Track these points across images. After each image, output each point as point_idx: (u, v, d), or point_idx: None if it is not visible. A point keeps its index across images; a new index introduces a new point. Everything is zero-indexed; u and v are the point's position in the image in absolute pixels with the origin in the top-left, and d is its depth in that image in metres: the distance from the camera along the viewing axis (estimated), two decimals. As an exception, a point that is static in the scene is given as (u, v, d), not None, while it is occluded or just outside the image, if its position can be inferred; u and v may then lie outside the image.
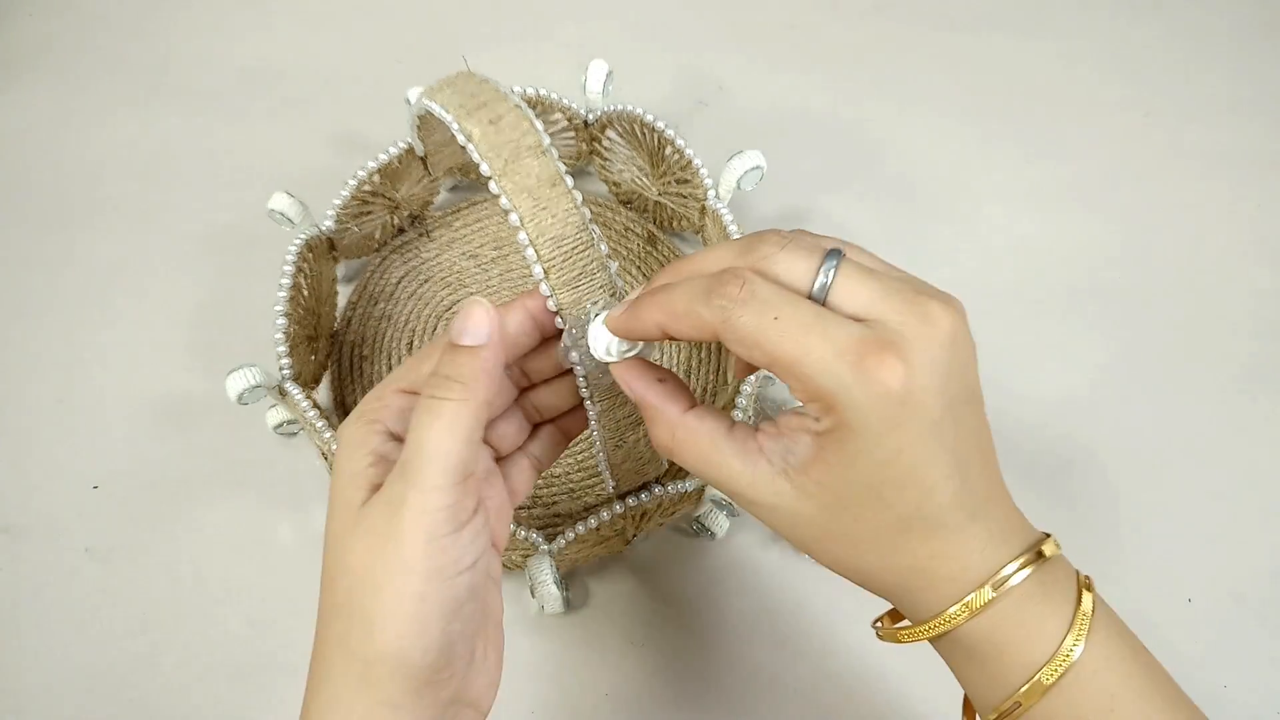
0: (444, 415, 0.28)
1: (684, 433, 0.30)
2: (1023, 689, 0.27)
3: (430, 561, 0.27)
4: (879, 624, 0.33)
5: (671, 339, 0.30)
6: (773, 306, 0.27)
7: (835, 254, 0.28)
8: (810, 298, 0.27)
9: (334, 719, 0.28)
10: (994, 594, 0.27)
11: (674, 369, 0.54)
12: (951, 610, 0.28)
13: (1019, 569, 0.27)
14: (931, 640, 0.29)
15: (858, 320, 0.27)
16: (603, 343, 0.32)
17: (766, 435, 0.29)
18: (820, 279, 0.27)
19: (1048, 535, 0.29)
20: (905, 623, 0.30)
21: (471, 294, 0.57)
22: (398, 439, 0.30)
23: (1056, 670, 0.27)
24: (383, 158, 0.53)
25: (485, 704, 0.31)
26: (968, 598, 0.27)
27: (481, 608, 0.30)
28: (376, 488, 0.29)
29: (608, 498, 0.44)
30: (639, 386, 0.31)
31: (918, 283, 0.29)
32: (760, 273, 0.28)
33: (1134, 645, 0.29)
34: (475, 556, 0.29)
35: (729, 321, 0.27)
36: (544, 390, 0.36)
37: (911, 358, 0.26)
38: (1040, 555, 0.28)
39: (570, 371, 0.34)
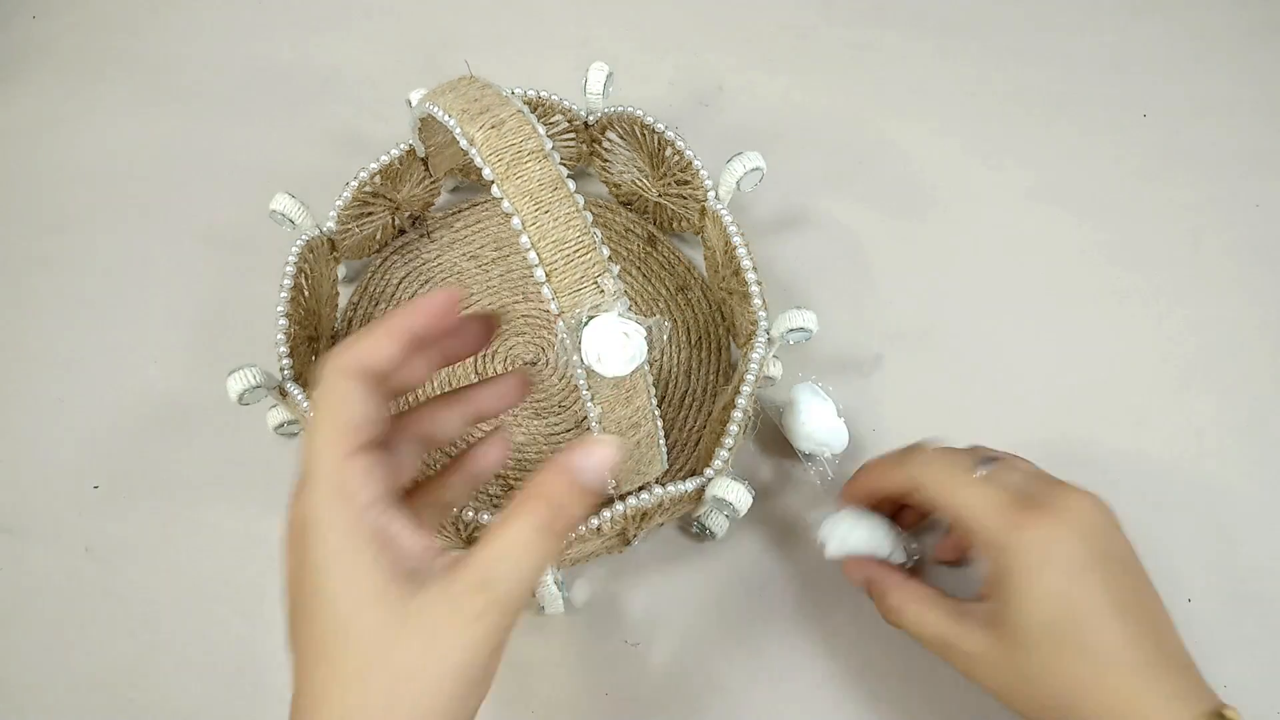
0: (546, 552, 0.28)
1: (912, 600, 0.39)
2: None
3: (487, 668, 0.27)
4: None
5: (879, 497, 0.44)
6: (952, 469, 0.39)
7: (991, 459, 0.39)
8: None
9: None
10: None
11: (674, 368, 0.55)
12: None
13: None
14: None
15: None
16: (595, 350, 0.32)
17: (970, 602, 0.37)
18: (983, 469, 0.38)
19: (1228, 707, 0.33)
20: None
21: (472, 294, 0.57)
22: (377, 505, 0.29)
23: None
24: (384, 159, 0.53)
25: None
26: None
27: None
28: (395, 574, 0.27)
29: (608, 498, 0.44)
30: (873, 572, 0.42)
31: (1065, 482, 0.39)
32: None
33: None
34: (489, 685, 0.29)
35: (922, 474, 0.39)
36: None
37: (1055, 513, 0.35)
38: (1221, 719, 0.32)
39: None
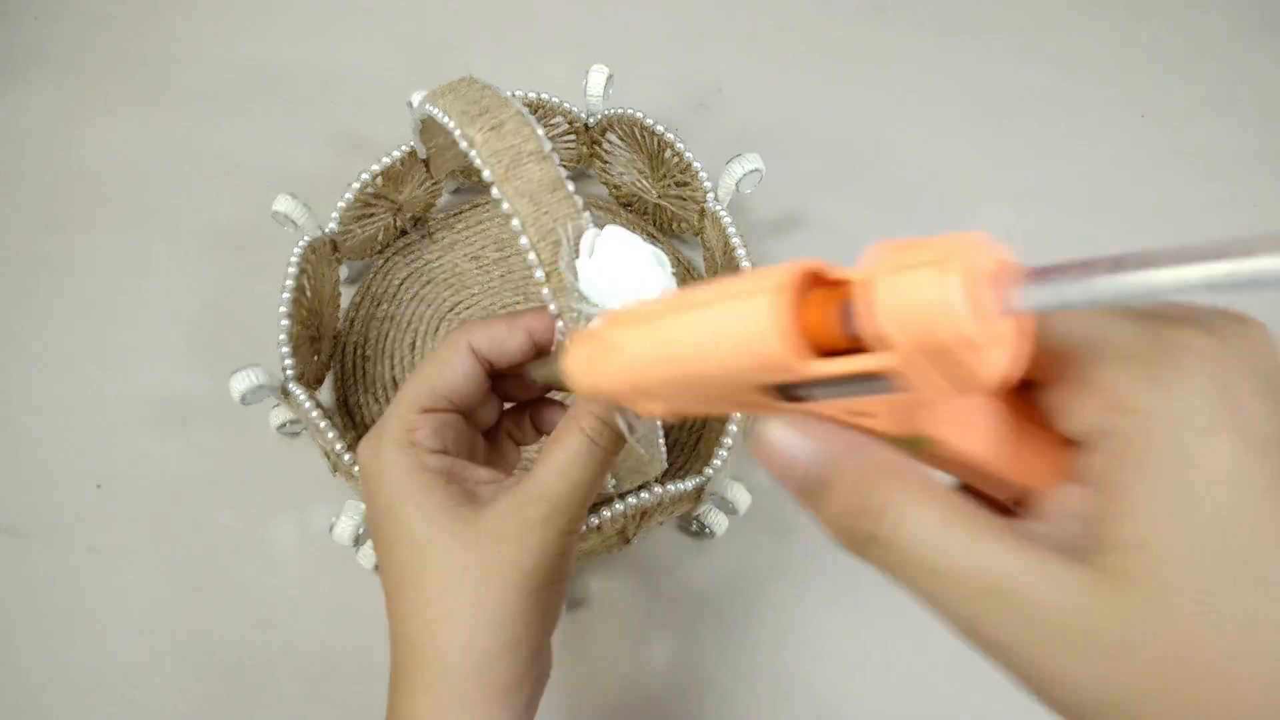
0: (596, 462, 0.30)
1: (911, 489, 0.19)
2: None
3: (556, 573, 0.30)
4: None
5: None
6: None
7: None
8: None
9: (447, 707, 0.29)
10: None
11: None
12: None
13: None
14: None
15: None
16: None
17: (1020, 520, 0.19)
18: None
19: None
20: None
21: (473, 294, 0.57)
22: (442, 453, 0.32)
23: None
24: (385, 160, 0.53)
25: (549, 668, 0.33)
26: None
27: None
28: (468, 500, 0.30)
29: (608, 496, 0.44)
30: (823, 434, 0.20)
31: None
32: None
33: None
34: (560, 599, 0.32)
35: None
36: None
37: (1226, 346, 0.17)
38: None
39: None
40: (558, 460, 0.30)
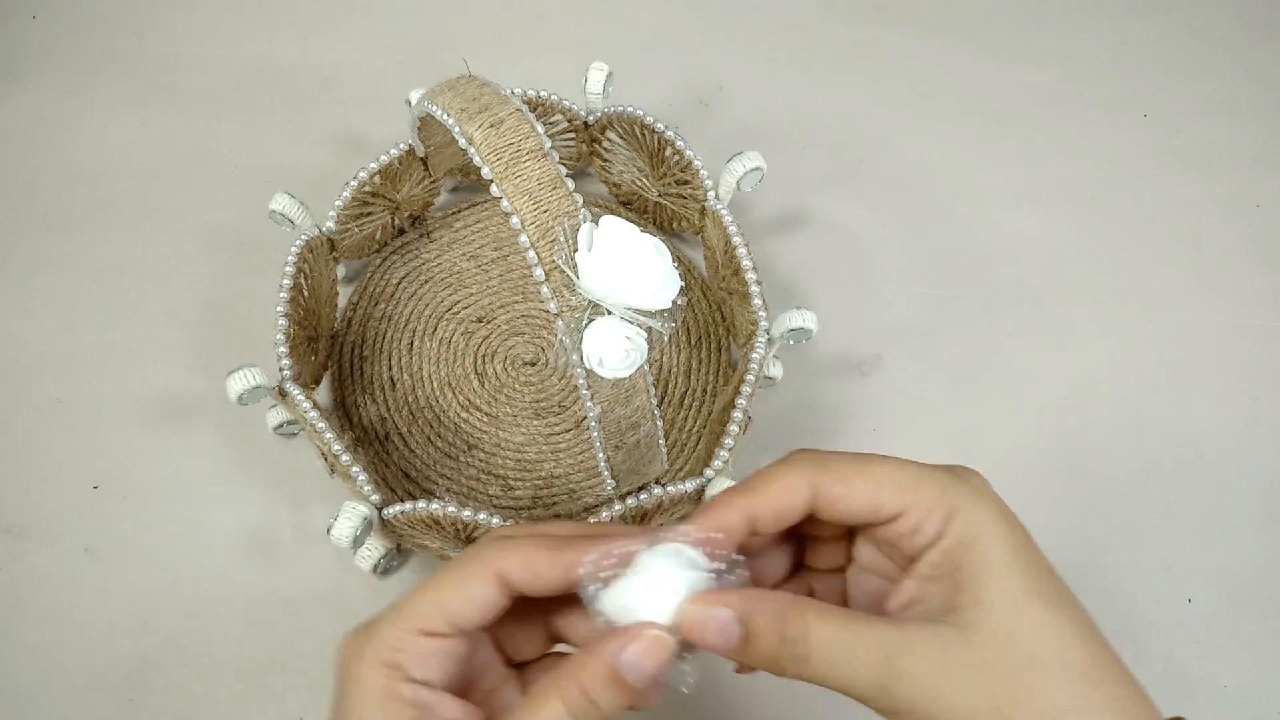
0: None
1: (813, 611, 0.26)
2: None
3: None
4: None
5: (757, 533, 0.28)
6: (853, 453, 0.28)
7: None
8: None
9: None
10: None
11: (673, 369, 0.54)
12: None
13: None
14: None
15: None
16: (596, 351, 0.32)
17: (889, 610, 0.28)
18: None
19: None
20: None
21: (472, 294, 0.57)
22: (426, 686, 0.27)
23: None
24: (383, 159, 0.53)
25: None
26: None
27: None
28: None
29: (608, 498, 0.44)
30: (731, 597, 0.26)
31: None
32: None
33: None
34: None
35: (823, 462, 0.27)
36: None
37: (977, 483, 0.28)
38: None
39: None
40: None
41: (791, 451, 0.29)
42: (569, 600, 0.29)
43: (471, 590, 0.28)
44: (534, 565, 0.28)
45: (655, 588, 0.26)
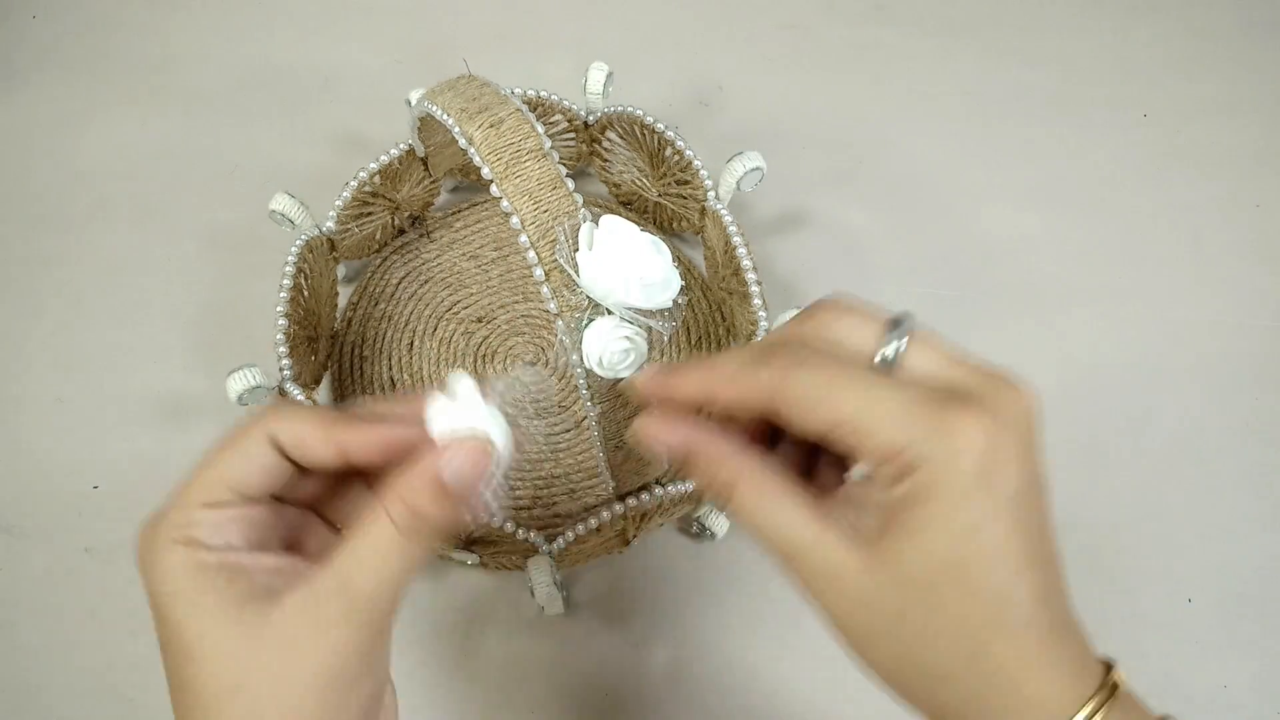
0: (407, 553, 0.26)
1: (769, 492, 0.26)
2: None
3: (355, 675, 0.26)
4: None
5: (709, 413, 0.28)
6: (837, 364, 0.25)
7: (905, 319, 0.26)
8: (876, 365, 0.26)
9: None
10: None
11: (674, 369, 0.54)
12: None
13: (1095, 712, 0.24)
14: None
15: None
16: (596, 352, 0.32)
17: (833, 500, 0.26)
18: (892, 344, 0.25)
19: (1111, 664, 0.26)
20: None
21: (472, 294, 0.57)
22: (230, 549, 0.27)
23: None
24: (383, 159, 0.53)
25: None
26: None
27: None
28: (253, 597, 0.26)
29: (607, 498, 0.44)
30: (707, 446, 0.27)
31: (990, 363, 0.26)
32: (821, 339, 0.26)
33: None
34: (376, 689, 0.28)
35: (788, 378, 0.25)
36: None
37: (995, 420, 0.24)
38: (1114, 690, 0.25)
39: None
40: (359, 550, 0.26)
41: (768, 340, 0.28)
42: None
43: (248, 455, 0.27)
44: (303, 434, 0.27)
45: (478, 410, 0.27)
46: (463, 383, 0.27)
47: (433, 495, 0.26)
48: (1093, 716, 0.24)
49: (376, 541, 0.26)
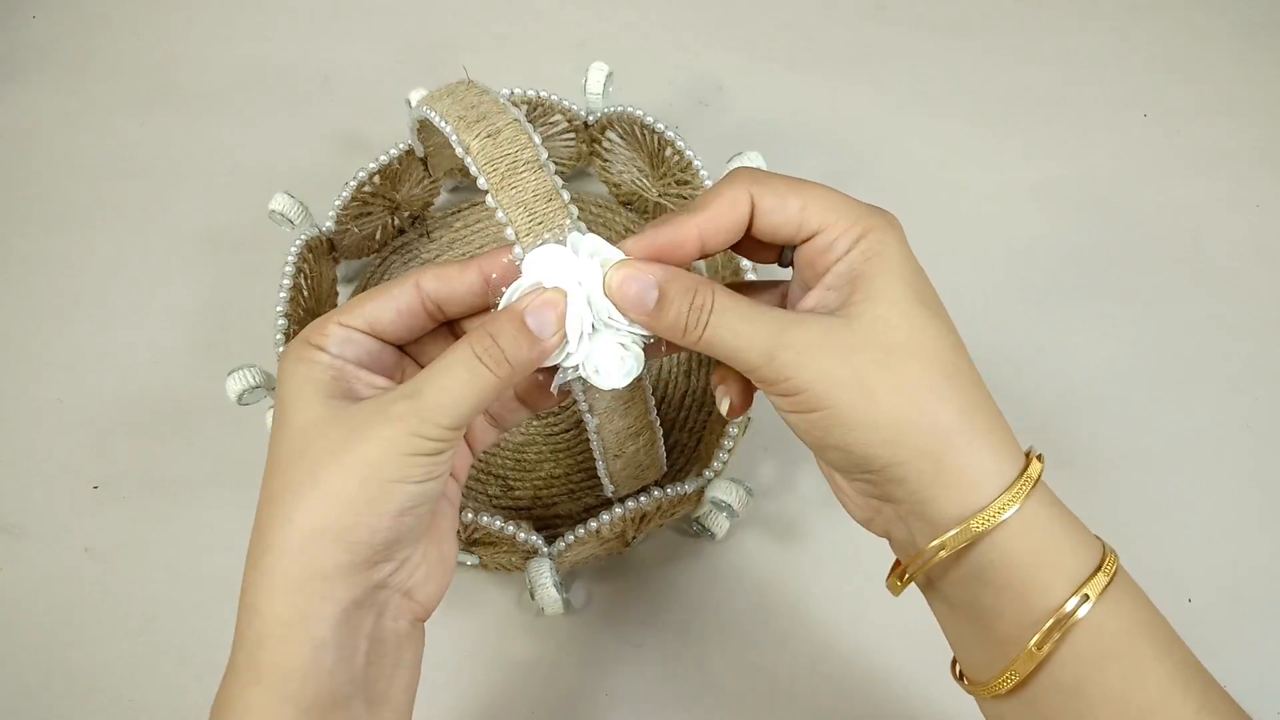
0: (479, 380, 0.29)
1: (720, 289, 0.30)
2: (1048, 625, 0.29)
3: (399, 472, 0.29)
4: (894, 577, 0.32)
5: (706, 252, 0.32)
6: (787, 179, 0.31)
7: None
8: None
9: (268, 587, 0.29)
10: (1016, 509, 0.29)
11: (674, 368, 0.54)
12: (983, 515, 0.29)
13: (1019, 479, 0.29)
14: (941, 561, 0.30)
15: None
16: (592, 362, 0.32)
17: (799, 302, 0.32)
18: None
19: (1032, 454, 0.31)
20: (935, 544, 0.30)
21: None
22: (344, 359, 0.32)
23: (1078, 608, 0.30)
24: (383, 159, 0.53)
25: (422, 597, 0.32)
26: (997, 505, 0.29)
27: (432, 516, 0.32)
28: (346, 395, 0.30)
29: (608, 499, 0.44)
30: (660, 268, 0.31)
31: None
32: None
33: (1140, 599, 0.32)
34: (437, 479, 0.30)
35: (758, 181, 0.31)
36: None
37: (891, 221, 0.32)
38: (1038, 477, 0.30)
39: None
40: (435, 367, 0.30)
41: (729, 171, 0.33)
42: None
43: (392, 297, 0.32)
44: (447, 272, 0.33)
45: (557, 270, 0.30)
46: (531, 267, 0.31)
47: (515, 330, 0.30)
48: (1019, 479, 0.29)
49: (451, 363, 0.30)
